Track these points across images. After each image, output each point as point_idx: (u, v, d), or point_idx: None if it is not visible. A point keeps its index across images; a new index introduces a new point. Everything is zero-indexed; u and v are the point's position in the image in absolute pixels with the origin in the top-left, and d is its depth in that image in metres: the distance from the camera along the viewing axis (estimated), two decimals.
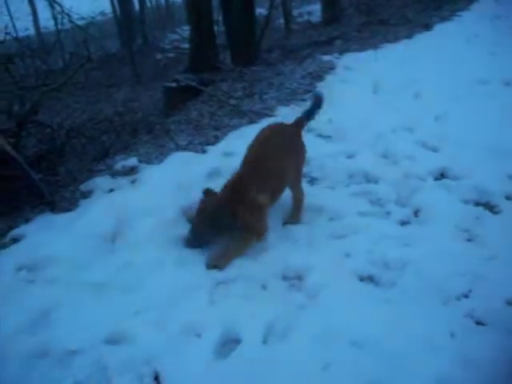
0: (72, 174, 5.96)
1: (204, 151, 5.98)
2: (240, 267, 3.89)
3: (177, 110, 8.16)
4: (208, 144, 6.21)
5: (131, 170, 5.66)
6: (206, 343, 3.22)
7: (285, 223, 4.44)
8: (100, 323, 3.45)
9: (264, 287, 3.72)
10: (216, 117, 7.26)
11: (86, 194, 5.23)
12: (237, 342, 3.23)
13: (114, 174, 5.60)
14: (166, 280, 3.82)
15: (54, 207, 5.05)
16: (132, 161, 5.85)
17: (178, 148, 6.15)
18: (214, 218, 3.89)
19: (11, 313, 3.55)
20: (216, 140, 6.32)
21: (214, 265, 3.87)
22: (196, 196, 4.34)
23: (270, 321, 3.35)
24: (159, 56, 19.11)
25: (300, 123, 4.60)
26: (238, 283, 3.78)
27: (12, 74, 6.12)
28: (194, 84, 8.18)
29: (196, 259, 4.02)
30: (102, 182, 5.40)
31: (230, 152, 5.65)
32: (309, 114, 4.62)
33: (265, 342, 3.23)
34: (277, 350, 3.16)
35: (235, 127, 6.71)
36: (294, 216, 4.47)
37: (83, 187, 5.34)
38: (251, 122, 6.78)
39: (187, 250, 4.11)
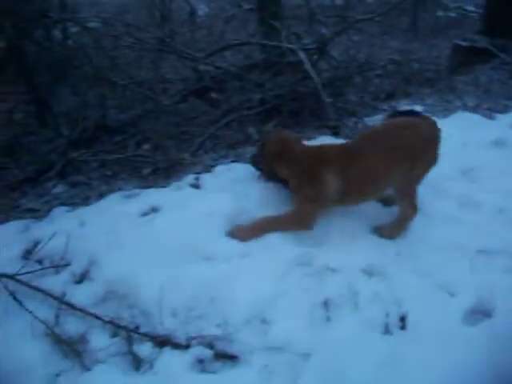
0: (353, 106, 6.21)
1: (492, 118, 5.78)
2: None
3: (463, 70, 7.92)
4: (497, 111, 5.98)
5: None
6: (457, 305, 3.20)
7: (374, 231, 3.84)
8: (357, 254, 3.62)
9: None
10: (507, 86, 6.93)
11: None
12: (488, 315, 3.13)
13: None
14: (436, 229, 3.88)
15: (337, 132, 5.33)
16: (417, 108, 5.88)
17: (465, 108, 6.04)
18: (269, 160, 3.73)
19: None
20: (505, 109, 6.06)
21: (234, 235, 3.58)
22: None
23: None
24: (440, 13, 18.45)
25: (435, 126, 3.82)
26: (501, 257, 3.66)
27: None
28: (489, 47, 7.81)
29: None
30: None
31: None
32: None
33: None
34: None
35: None
36: (391, 229, 3.80)
37: (367, 120, 5.54)
38: None
39: None
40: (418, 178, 3.72)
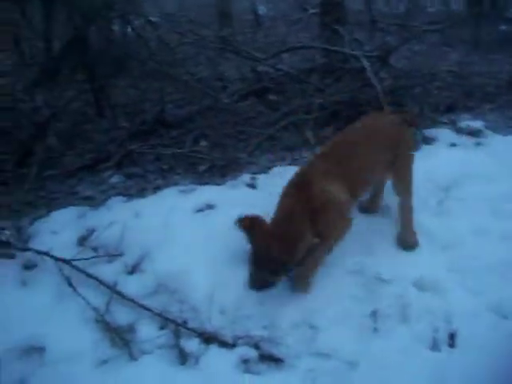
0: None
1: None
2: None
3: None
4: None
5: (476, 132, 5.62)
6: (509, 328, 3.10)
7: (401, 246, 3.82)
8: (409, 267, 3.59)
9: None
10: None
11: (428, 141, 5.34)
12: None
13: (458, 131, 5.68)
14: (490, 248, 3.77)
15: None
16: (478, 123, 5.82)
17: None
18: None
19: None
20: None
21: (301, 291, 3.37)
22: None
23: None
24: (503, 27, 18.01)
25: (409, 117, 3.95)
26: None
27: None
28: None
29: None
30: (445, 134, 5.51)
31: None
32: None
33: None
34: None
35: None
36: (404, 239, 3.80)
37: (427, 133, 5.46)
38: None
39: None
40: (404, 169, 3.78)
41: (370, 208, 4.13)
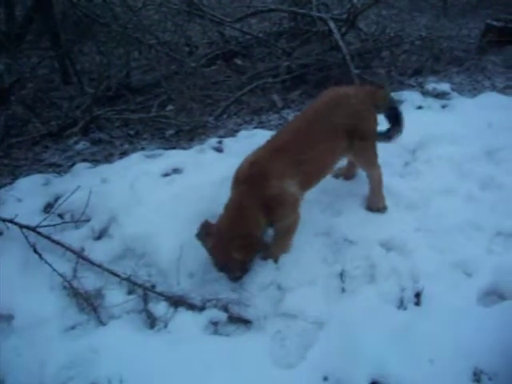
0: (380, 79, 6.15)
1: None
2: None
3: (493, 50, 7.78)
4: None
5: (442, 95, 5.64)
6: (473, 285, 3.15)
7: (366, 207, 3.83)
8: (379, 228, 3.61)
9: None
10: None
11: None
12: (502, 297, 3.09)
13: (425, 93, 5.70)
14: (456, 208, 3.81)
15: None
16: (444, 86, 5.86)
17: (494, 88, 5.96)
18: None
19: None
20: None
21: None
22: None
23: None
24: None
25: (373, 92, 3.77)
26: None
27: None
28: None
29: None
30: (412, 96, 5.53)
31: None
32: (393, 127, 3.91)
33: None
34: None
35: None
36: (373, 203, 3.81)
37: (394, 96, 5.46)
38: None
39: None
40: (364, 148, 3.66)
41: (346, 175, 4.11)
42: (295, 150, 3.27)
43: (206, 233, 3.17)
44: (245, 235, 3.07)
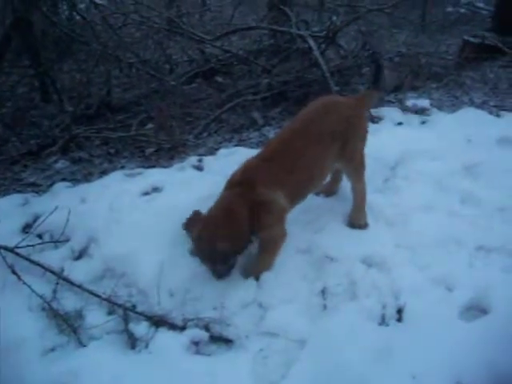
0: None
1: (498, 115, 5.74)
2: None
3: (471, 66, 7.90)
4: (503, 109, 5.96)
5: (422, 111, 5.71)
6: (455, 300, 3.14)
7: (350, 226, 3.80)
8: (360, 245, 3.60)
9: None
10: None
11: (376, 120, 5.40)
12: (484, 311, 3.09)
13: (405, 110, 5.76)
14: (436, 223, 3.83)
15: None
16: (424, 102, 5.93)
17: (472, 104, 6.05)
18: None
19: None
20: None
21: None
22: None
23: None
24: (450, 8, 18.32)
25: (362, 99, 3.77)
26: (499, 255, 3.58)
27: None
28: (499, 45, 7.78)
29: None
30: (392, 113, 5.58)
31: None
32: (374, 84, 3.94)
33: None
34: None
35: None
36: (355, 219, 3.79)
37: (374, 112, 5.52)
38: None
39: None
40: (354, 155, 3.65)
41: (327, 192, 4.10)
42: (287, 158, 3.28)
43: (193, 223, 3.17)
44: (230, 226, 3.07)
